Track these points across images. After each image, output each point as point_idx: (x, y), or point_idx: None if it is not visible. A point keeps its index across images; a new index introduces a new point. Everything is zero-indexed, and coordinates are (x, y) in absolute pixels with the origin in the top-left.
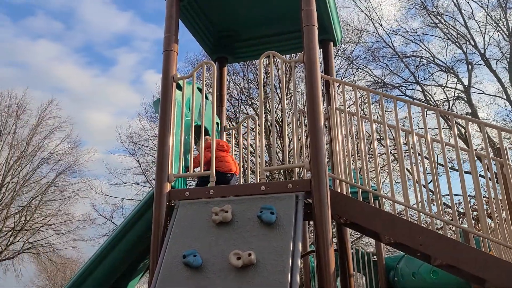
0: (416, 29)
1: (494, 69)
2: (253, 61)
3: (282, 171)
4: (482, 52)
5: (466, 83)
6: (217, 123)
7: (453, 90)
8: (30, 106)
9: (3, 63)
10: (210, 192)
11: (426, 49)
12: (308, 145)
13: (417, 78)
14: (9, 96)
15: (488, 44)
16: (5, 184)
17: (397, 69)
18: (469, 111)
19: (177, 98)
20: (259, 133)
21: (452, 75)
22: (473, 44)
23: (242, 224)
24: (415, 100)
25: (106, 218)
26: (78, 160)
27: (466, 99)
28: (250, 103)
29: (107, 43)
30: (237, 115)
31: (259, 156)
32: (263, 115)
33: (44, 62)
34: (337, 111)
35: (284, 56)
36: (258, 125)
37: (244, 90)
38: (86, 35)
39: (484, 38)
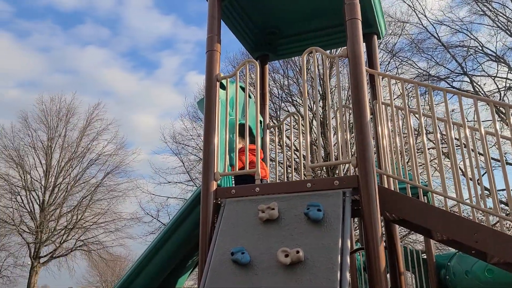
0: (463, 18)
1: None
2: (293, 58)
3: (324, 168)
4: None
5: None
6: (260, 121)
7: (504, 80)
8: (78, 110)
9: (55, 70)
10: (256, 189)
11: (474, 38)
12: (350, 141)
13: (465, 69)
14: (59, 101)
15: None
16: (58, 184)
17: (443, 60)
18: None
19: (221, 97)
20: (303, 131)
21: (503, 65)
22: None
23: (289, 222)
24: (465, 92)
25: (152, 216)
26: (124, 160)
27: None
28: (290, 100)
29: (151, 46)
30: (278, 112)
31: (304, 153)
32: (307, 112)
33: (92, 68)
34: (383, 106)
35: (327, 51)
36: (302, 122)
37: (284, 88)
38: (131, 40)
39: None
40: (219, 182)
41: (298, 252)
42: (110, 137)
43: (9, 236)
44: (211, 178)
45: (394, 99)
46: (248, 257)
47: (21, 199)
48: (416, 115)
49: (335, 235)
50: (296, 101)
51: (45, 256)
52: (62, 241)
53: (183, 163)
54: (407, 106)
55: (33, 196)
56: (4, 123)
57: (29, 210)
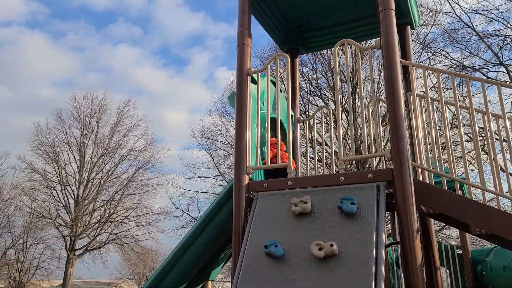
0: (499, 6)
1: None
2: (321, 51)
3: (354, 162)
4: None
5: None
6: (291, 116)
7: None
8: (110, 107)
9: (89, 69)
10: (288, 183)
11: (511, 27)
12: (381, 135)
13: (501, 59)
14: (91, 98)
15: None
16: (91, 179)
17: (478, 50)
18: None
19: (252, 92)
20: (334, 124)
21: None
22: None
23: (322, 215)
24: (505, 82)
25: (182, 210)
26: (154, 156)
27: None
28: (318, 94)
29: (181, 43)
30: (307, 106)
31: (335, 147)
32: (339, 105)
33: (124, 66)
34: (417, 98)
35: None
36: (333, 115)
37: (312, 81)
38: (162, 38)
39: None
40: (251, 176)
41: (332, 245)
42: (141, 133)
43: (46, 229)
44: (243, 172)
45: (429, 89)
46: (281, 250)
47: (57, 193)
48: (451, 107)
49: (369, 229)
50: (325, 94)
51: (80, 248)
52: (96, 234)
53: (212, 158)
54: (443, 97)
55: (68, 191)
56: (40, 121)
57: (65, 204)
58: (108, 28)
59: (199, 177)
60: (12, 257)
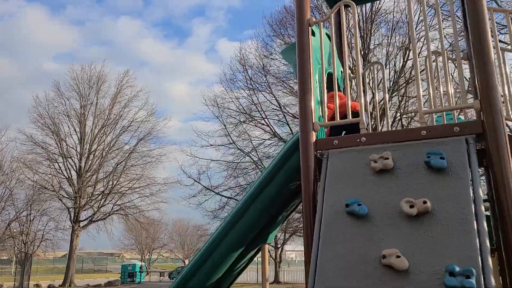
0: None
1: None
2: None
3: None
4: None
5: None
6: (342, 71)
7: None
8: (109, 77)
9: (93, 42)
10: (362, 139)
11: None
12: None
13: None
14: (89, 69)
15: None
16: (92, 151)
17: None
18: None
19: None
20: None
21: None
22: None
23: (406, 171)
24: None
25: (194, 179)
26: (156, 126)
27: None
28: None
29: (183, 14)
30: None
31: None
32: (416, 51)
33: (127, 38)
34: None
35: None
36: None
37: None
38: (163, 9)
39: None
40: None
41: (425, 202)
42: (141, 103)
43: (49, 201)
44: (309, 129)
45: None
46: (366, 208)
47: (59, 166)
48: None
49: (464, 184)
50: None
51: (84, 220)
52: (100, 205)
53: (225, 126)
54: None
55: (69, 163)
56: (39, 93)
57: (67, 176)
58: (108, 0)
59: (211, 145)
60: (16, 229)
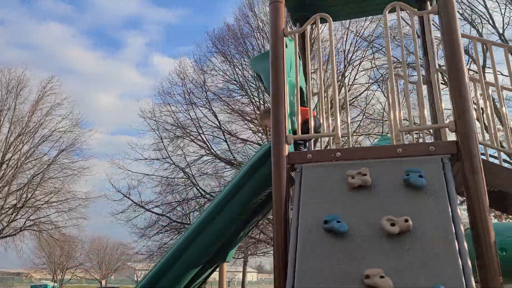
0: None
1: None
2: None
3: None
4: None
5: None
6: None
7: None
8: (30, 82)
9: (10, 43)
10: (337, 154)
11: None
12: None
13: None
14: (8, 72)
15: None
16: (6, 160)
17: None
18: None
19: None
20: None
21: None
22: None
23: (384, 188)
24: None
25: (123, 194)
26: (80, 138)
27: None
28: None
29: (116, 26)
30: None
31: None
32: (393, 75)
33: (52, 44)
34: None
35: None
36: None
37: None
38: (93, 17)
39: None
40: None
41: (407, 220)
42: (66, 112)
43: None
44: (282, 141)
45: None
46: (345, 225)
47: None
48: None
49: (442, 203)
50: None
51: None
52: (10, 220)
53: (162, 139)
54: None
55: None
56: None
57: None
58: (33, 2)
59: (145, 159)
60: None
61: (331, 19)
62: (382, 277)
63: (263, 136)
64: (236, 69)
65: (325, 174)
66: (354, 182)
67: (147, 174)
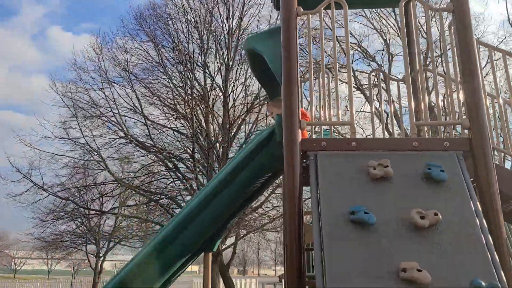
0: None
1: None
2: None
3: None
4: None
5: None
6: None
7: None
8: None
9: None
10: (352, 144)
11: None
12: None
13: None
14: None
15: None
16: None
17: None
18: None
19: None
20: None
21: None
22: None
23: (406, 181)
24: None
25: (23, 175)
26: None
27: None
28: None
29: None
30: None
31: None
32: (409, 69)
33: None
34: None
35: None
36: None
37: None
38: None
39: None
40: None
41: (436, 214)
42: None
43: None
44: (296, 126)
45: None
46: (374, 216)
47: None
48: None
49: (464, 198)
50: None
51: None
52: None
53: (76, 117)
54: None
55: None
56: None
57: None
58: None
59: (56, 137)
60: None
61: (346, 4)
62: (419, 270)
63: (185, 122)
64: (160, 51)
65: (343, 164)
66: (376, 173)
67: (57, 155)
